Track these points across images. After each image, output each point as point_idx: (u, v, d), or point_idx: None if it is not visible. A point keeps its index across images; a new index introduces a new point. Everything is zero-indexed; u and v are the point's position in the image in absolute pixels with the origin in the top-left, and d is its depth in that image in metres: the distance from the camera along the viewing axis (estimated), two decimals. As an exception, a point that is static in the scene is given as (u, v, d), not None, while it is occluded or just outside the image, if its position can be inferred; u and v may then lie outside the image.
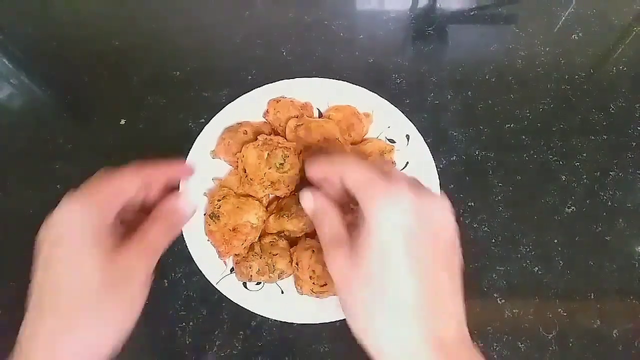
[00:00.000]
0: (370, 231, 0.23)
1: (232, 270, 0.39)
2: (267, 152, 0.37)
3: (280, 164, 0.37)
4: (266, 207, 0.40)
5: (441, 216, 0.25)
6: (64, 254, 0.24)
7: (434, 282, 0.23)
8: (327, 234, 0.27)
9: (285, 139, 0.40)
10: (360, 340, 0.24)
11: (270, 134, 0.39)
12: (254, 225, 0.37)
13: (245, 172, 0.38)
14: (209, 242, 0.38)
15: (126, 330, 0.26)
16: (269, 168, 0.37)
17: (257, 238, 0.38)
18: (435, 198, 0.26)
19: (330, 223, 0.28)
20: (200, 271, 0.38)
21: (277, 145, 0.37)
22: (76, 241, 0.25)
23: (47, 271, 0.25)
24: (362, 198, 0.24)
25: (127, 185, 0.28)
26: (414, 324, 0.22)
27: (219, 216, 0.37)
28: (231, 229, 0.37)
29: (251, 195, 0.39)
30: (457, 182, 0.46)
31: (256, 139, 0.39)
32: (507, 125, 0.50)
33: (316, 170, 0.30)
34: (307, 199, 0.31)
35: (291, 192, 0.38)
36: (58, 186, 0.47)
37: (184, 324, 0.41)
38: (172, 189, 0.33)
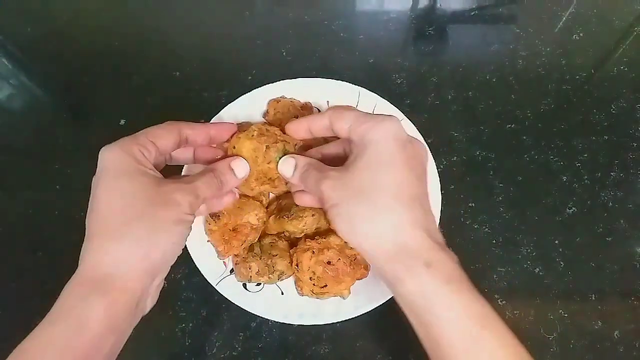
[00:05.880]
0: (366, 147, 0.27)
1: (231, 271, 0.39)
2: (266, 144, 0.33)
3: (281, 157, 0.33)
4: (266, 208, 0.40)
5: (419, 142, 0.31)
6: (106, 182, 0.26)
7: (420, 185, 0.28)
8: (315, 175, 0.29)
9: (282, 131, 0.36)
10: (359, 245, 0.27)
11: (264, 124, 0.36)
12: (254, 226, 0.37)
13: None
14: (209, 242, 0.38)
15: (166, 253, 0.26)
16: (268, 163, 0.33)
17: (257, 239, 0.38)
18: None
19: (316, 166, 0.30)
20: (200, 272, 0.38)
21: (277, 138, 0.34)
22: (116, 171, 0.26)
23: (92, 202, 0.26)
24: (360, 128, 0.28)
25: (161, 133, 0.30)
26: (409, 210, 0.26)
27: (219, 215, 0.37)
28: (231, 229, 0.37)
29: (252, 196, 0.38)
30: (457, 182, 0.46)
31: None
32: (507, 126, 0.50)
33: (303, 126, 0.33)
34: (289, 163, 0.32)
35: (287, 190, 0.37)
36: (58, 186, 0.47)
37: (183, 325, 0.41)
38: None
